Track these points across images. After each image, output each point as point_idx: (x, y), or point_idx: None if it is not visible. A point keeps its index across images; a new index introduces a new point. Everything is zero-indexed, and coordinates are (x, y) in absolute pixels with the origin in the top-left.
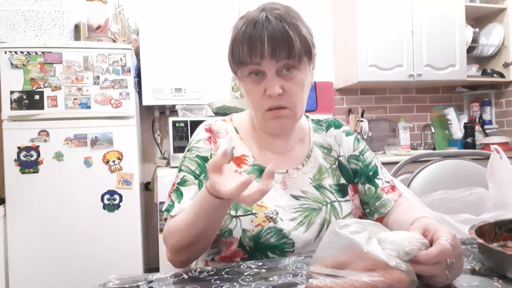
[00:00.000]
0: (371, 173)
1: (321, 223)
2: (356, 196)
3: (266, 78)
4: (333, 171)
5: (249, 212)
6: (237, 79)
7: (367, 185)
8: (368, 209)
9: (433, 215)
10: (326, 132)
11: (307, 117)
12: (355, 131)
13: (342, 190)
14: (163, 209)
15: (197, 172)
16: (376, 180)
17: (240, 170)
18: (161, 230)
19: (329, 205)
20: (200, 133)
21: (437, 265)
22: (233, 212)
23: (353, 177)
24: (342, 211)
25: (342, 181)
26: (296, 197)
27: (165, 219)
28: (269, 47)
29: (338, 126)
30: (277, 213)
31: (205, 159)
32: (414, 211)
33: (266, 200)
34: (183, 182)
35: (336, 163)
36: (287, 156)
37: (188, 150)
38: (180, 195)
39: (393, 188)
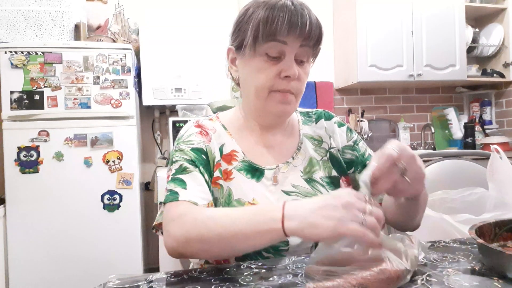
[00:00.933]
0: (367, 162)
1: None
2: (349, 188)
3: (285, 59)
4: (324, 163)
5: None
6: (243, 55)
7: None
8: None
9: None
10: (316, 124)
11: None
12: (355, 131)
13: (334, 183)
14: (162, 201)
15: (194, 161)
16: None
17: (230, 167)
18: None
19: None
20: (189, 129)
21: (392, 173)
22: None
23: (347, 168)
24: None
25: (334, 173)
26: (287, 193)
27: (156, 226)
28: (308, 29)
29: (328, 117)
30: None
31: (200, 151)
32: None
33: (258, 198)
34: (180, 171)
35: (327, 155)
36: (277, 151)
37: (177, 145)
38: (181, 182)
39: None
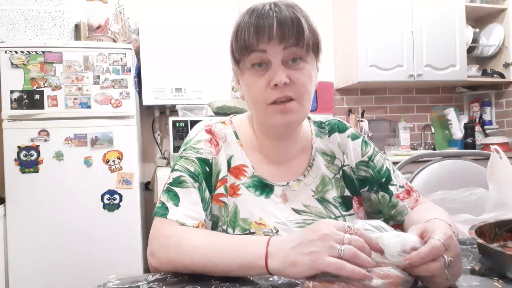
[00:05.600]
0: (383, 180)
1: None
2: (361, 209)
3: (271, 68)
4: (337, 182)
5: (247, 232)
6: (237, 74)
7: (381, 193)
8: (383, 218)
9: (447, 216)
10: (329, 137)
11: (308, 118)
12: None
13: (346, 203)
14: (152, 213)
15: (197, 175)
16: (389, 186)
17: (238, 182)
18: None
19: None
20: (199, 133)
21: (434, 263)
22: (230, 231)
23: (360, 187)
24: None
25: (346, 193)
26: (298, 212)
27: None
28: (278, 30)
29: (342, 130)
30: (277, 231)
31: (205, 162)
32: (429, 212)
33: (266, 217)
34: (177, 183)
35: (340, 173)
36: (288, 167)
37: (184, 150)
38: (174, 197)
39: (408, 192)
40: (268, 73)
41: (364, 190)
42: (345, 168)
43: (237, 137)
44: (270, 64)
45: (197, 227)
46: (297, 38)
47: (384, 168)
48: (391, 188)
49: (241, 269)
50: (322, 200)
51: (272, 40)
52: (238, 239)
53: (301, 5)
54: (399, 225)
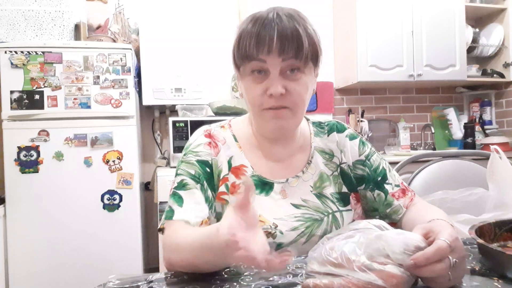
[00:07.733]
0: (379, 178)
1: (321, 235)
2: (359, 205)
3: (269, 77)
4: (335, 178)
5: None
6: (238, 76)
7: (376, 191)
8: (378, 216)
9: (446, 216)
10: (328, 136)
11: (307, 119)
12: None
13: (343, 199)
14: (162, 219)
15: (198, 176)
16: (385, 185)
17: (238, 182)
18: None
19: (330, 215)
20: (199, 138)
21: (439, 265)
22: None
23: (357, 185)
24: (343, 222)
25: (344, 189)
26: (296, 206)
27: (162, 229)
28: (277, 43)
29: (340, 130)
30: (276, 227)
31: (205, 164)
32: (429, 212)
33: (264, 214)
34: (181, 186)
35: (338, 170)
36: (287, 164)
37: (185, 155)
38: (179, 199)
39: (403, 192)
40: (266, 81)
41: (360, 188)
42: (343, 165)
43: (236, 140)
44: (268, 73)
45: (201, 224)
46: (296, 51)
47: (381, 168)
48: (387, 187)
49: (205, 251)
50: (320, 195)
51: (271, 52)
52: (200, 229)
53: (301, 5)
54: (394, 224)
